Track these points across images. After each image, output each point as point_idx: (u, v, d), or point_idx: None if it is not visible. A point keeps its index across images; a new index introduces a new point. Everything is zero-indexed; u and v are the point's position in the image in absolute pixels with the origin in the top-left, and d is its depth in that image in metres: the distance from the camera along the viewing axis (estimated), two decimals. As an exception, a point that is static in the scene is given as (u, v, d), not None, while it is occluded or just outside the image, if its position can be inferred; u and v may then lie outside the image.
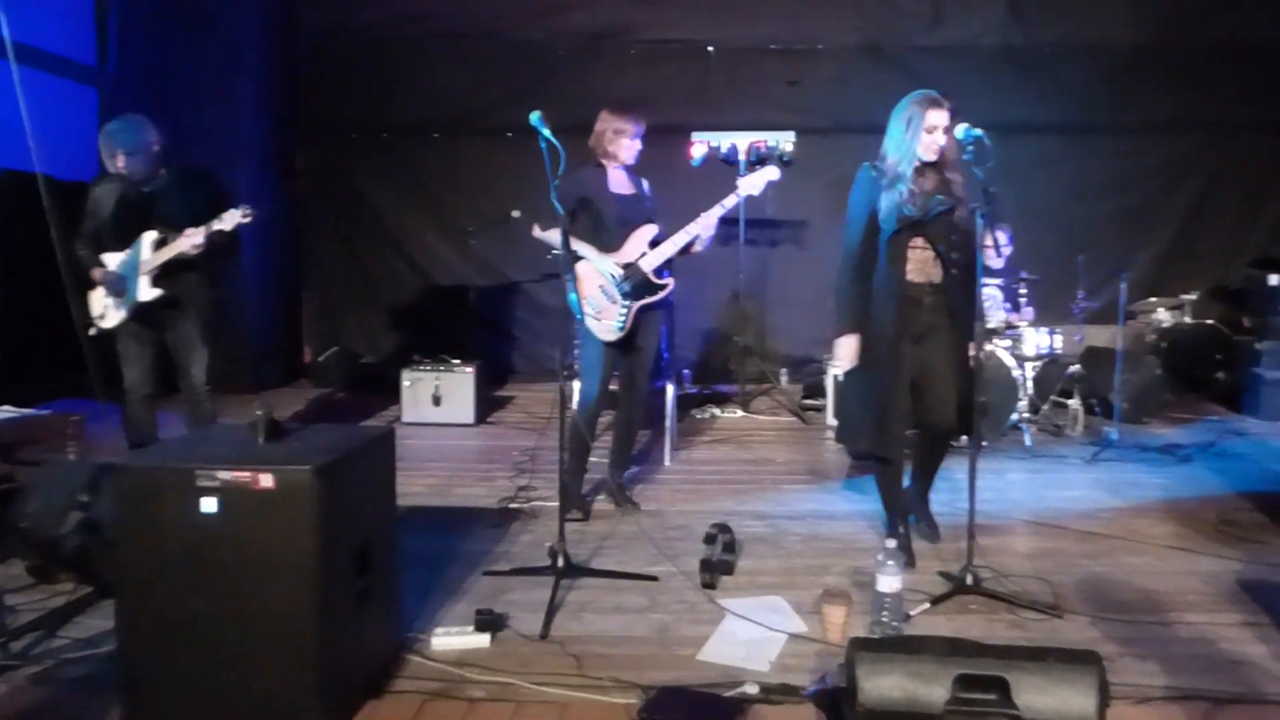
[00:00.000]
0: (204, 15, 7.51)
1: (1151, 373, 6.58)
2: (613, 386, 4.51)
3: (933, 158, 3.60)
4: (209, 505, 2.39)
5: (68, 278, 4.08)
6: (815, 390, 7.01)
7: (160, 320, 4.51)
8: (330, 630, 2.45)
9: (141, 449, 3.94)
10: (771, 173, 4.48)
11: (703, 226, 4.28)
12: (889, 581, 3.05)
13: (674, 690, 2.70)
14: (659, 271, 4.30)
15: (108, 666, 2.79)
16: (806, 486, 5.05)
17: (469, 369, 6.61)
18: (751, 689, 2.71)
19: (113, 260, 4.44)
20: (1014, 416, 5.80)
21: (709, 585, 3.54)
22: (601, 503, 4.62)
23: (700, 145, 7.27)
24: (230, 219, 4.24)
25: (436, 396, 6.57)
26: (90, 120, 7.15)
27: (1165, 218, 8.23)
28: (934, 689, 2.24)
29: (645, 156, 4.36)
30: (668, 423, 5.67)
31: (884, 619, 3.06)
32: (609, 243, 4.27)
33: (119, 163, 4.35)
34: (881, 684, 2.26)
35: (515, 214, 6.69)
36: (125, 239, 4.42)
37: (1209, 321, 7.44)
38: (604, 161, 4.33)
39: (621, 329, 4.23)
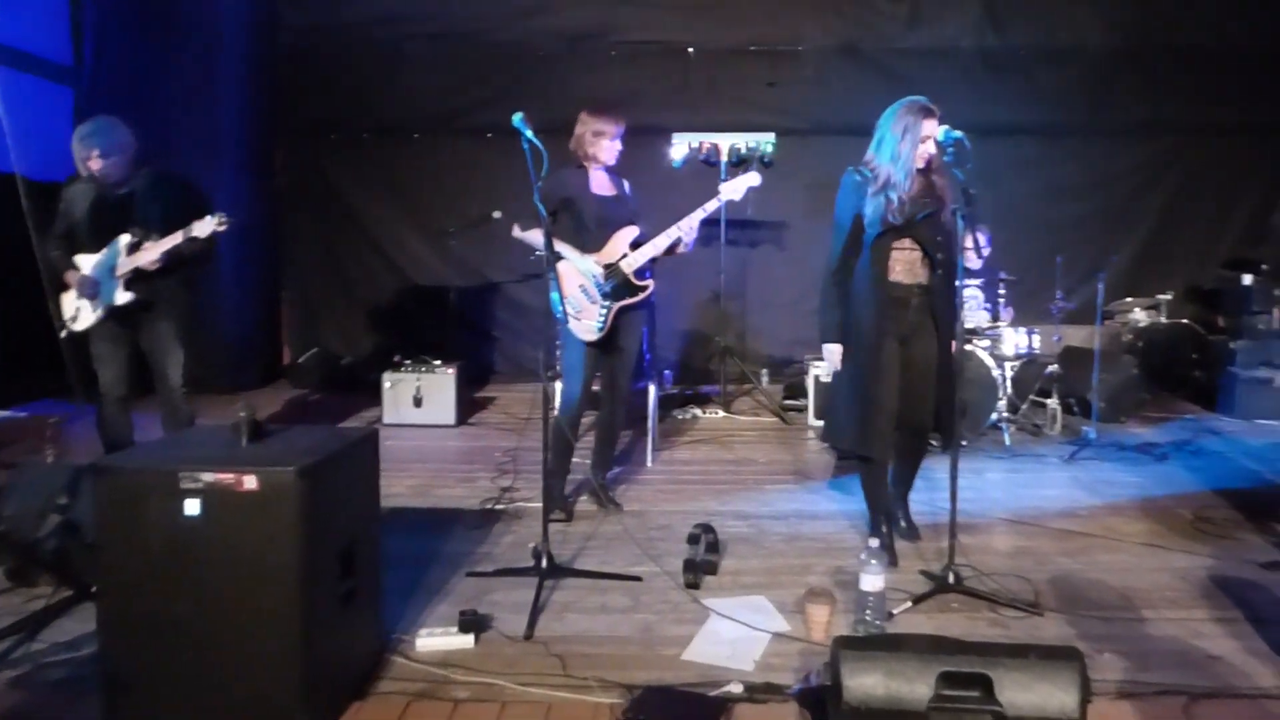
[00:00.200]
0: (181, 15, 7.45)
1: (1128, 372, 6.66)
2: (595, 387, 4.51)
3: (923, 165, 3.62)
4: (192, 507, 2.38)
5: (46, 279, 4.04)
6: (796, 391, 7.05)
7: (135, 322, 4.47)
8: (314, 632, 2.44)
9: (120, 451, 3.91)
10: (753, 179, 4.50)
11: (684, 230, 4.29)
12: (872, 580, 3.08)
13: (659, 690, 2.71)
14: (640, 273, 4.30)
15: (89, 669, 2.77)
16: (788, 486, 5.07)
17: (450, 370, 6.60)
18: (736, 688, 2.72)
19: (86, 262, 4.40)
20: (993, 416, 5.85)
21: (692, 585, 3.55)
22: (584, 503, 4.62)
23: (681, 146, 7.29)
24: (205, 226, 4.20)
25: (417, 398, 6.55)
26: (66, 120, 7.07)
27: (1140, 219, 8.33)
28: (918, 686, 2.25)
29: (626, 157, 4.37)
30: (650, 423, 5.68)
31: (867, 618, 3.08)
32: (590, 243, 4.27)
33: (93, 165, 4.30)
34: (866, 682, 2.28)
35: (496, 215, 6.68)
36: (100, 241, 4.38)
37: (1184, 321, 7.55)
38: (585, 163, 4.33)
39: (601, 329, 4.23)
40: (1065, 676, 2.23)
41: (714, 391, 7.46)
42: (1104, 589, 3.57)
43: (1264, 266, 7.23)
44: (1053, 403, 6.22)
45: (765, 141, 7.13)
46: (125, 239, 4.34)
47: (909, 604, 3.35)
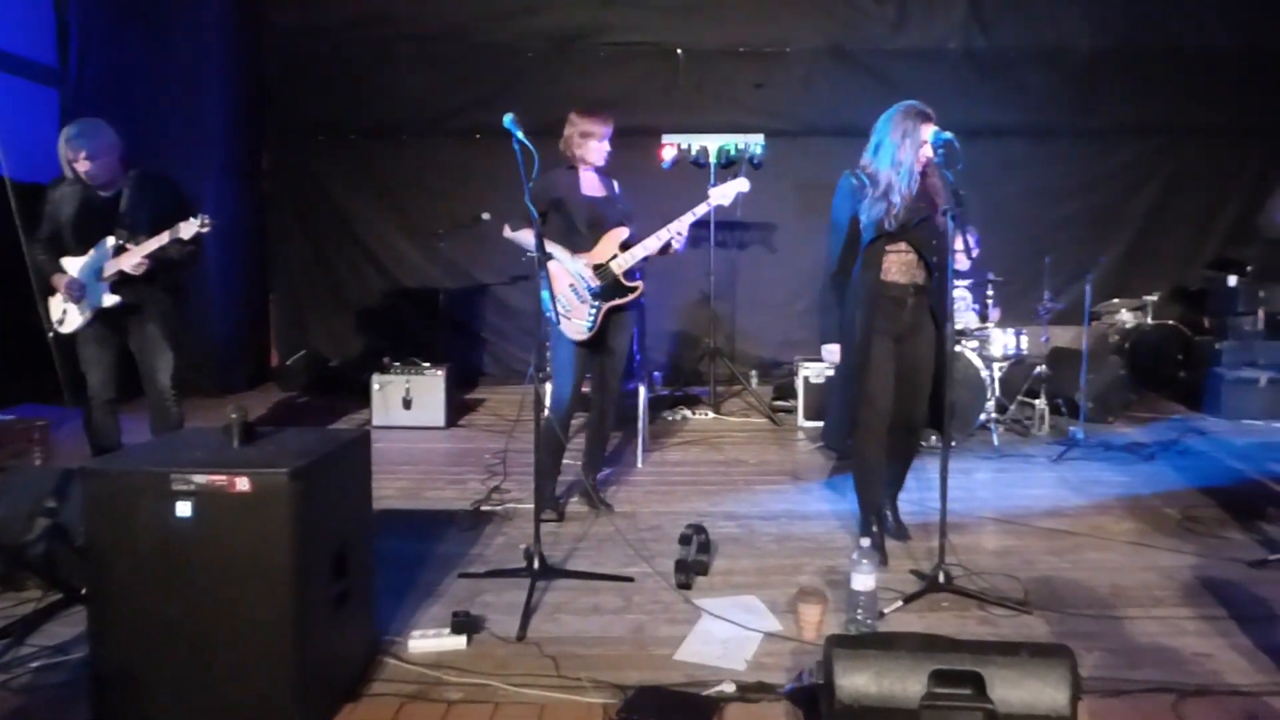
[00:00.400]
0: (167, 16, 7.43)
1: (1115, 373, 6.70)
2: (585, 389, 4.51)
3: (922, 168, 3.64)
4: (184, 509, 2.37)
5: (34, 282, 4.02)
6: (786, 392, 7.07)
7: (123, 325, 4.46)
8: (307, 634, 2.43)
9: (108, 454, 3.89)
10: (741, 184, 4.52)
11: (673, 233, 4.30)
12: (863, 580, 3.09)
13: (651, 690, 2.71)
14: (629, 273, 4.31)
15: (79, 673, 2.76)
16: (778, 487, 5.08)
17: (439, 372, 6.59)
18: (728, 688, 2.73)
19: (73, 265, 4.38)
20: (982, 416, 5.88)
21: (684, 585, 3.56)
22: (575, 504, 4.63)
23: (670, 147, 7.30)
24: (188, 228, 4.19)
25: (407, 400, 6.54)
26: (52, 122, 7.04)
27: (1126, 220, 8.38)
28: (910, 685, 2.26)
29: (615, 158, 4.37)
30: (640, 424, 5.69)
31: (858, 617, 3.10)
32: (580, 244, 4.27)
33: (80, 166, 4.29)
34: (858, 680, 2.29)
35: (484, 216, 6.67)
36: (86, 243, 4.36)
37: (1170, 322, 7.60)
38: (574, 164, 4.33)
39: (590, 329, 4.24)
40: (1056, 674, 2.25)
41: (704, 393, 7.48)
42: (1092, 588, 3.59)
43: (1249, 268, 7.30)
44: (1040, 403, 6.26)
45: (754, 143, 7.15)
46: (111, 241, 4.32)
47: (900, 603, 3.36)
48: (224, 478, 2.37)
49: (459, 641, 3.04)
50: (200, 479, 2.37)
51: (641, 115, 7.51)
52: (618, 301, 4.29)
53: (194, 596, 2.38)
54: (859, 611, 3.10)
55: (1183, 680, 2.81)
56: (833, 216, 3.81)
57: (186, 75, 7.47)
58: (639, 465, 5.50)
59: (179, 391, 4.57)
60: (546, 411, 4.32)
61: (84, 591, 2.68)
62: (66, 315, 4.40)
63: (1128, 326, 7.60)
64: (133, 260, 4.24)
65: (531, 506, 3.72)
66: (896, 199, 3.59)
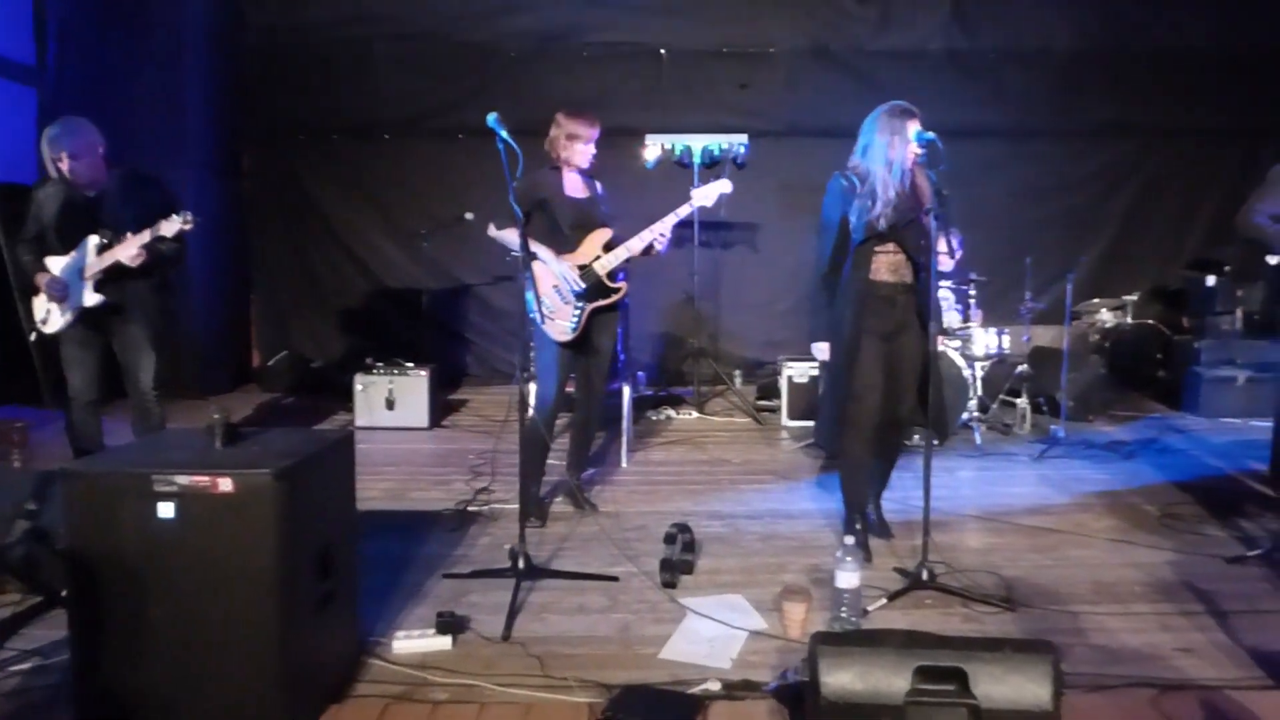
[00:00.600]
0: (146, 14, 7.37)
1: (1095, 372, 6.76)
2: (569, 389, 4.51)
3: (910, 164, 3.67)
4: (166, 510, 2.36)
5: (15, 282, 3.98)
6: (769, 391, 7.09)
7: (106, 325, 4.43)
8: (291, 635, 2.42)
9: (91, 455, 3.86)
10: (724, 185, 4.52)
11: (656, 234, 4.31)
12: (847, 578, 3.10)
13: (637, 689, 2.72)
14: (613, 274, 4.31)
15: (60, 677, 2.74)
16: (763, 486, 5.09)
17: (423, 372, 6.57)
18: (714, 686, 2.74)
19: (56, 265, 4.34)
20: (964, 415, 5.92)
21: (669, 585, 3.57)
22: (560, 504, 4.63)
23: (654, 148, 7.30)
24: (171, 225, 4.17)
25: (390, 400, 6.52)
26: (30, 121, 6.98)
27: (1106, 220, 8.45)
28: (895, 681, 2.27)
29: (598, 158, 4.37)
30: (624, 424, 5.69)
31: (843, 614, 3.11)
32: (563, 245, 4.27)
33: (63, 166, 4.26)
34: (843, 677, 2.29)
35: (467, 216, 6.66)
36: (69, 243, 4.33)
37: (1149, 321, 7.67)
38: (559, 164, 4.33)
39: (574, 330, 4.24)
40: (1039, 670, 2.26)
41: (688, 393, 7.48)
42: (1074, 584, 3.62)
43: (1227, 267, 7.37)
44: (1022, 402, 6.30)
45: (738, 143, 7.16)
46: (94, 240, 4.29)
47: (884, 601, 3.38)
48: (207, 479, 2.36)
49: (444, 642, 3.03)
50: (183, 480, 2.35)
51: (624, 115, 7.50)
52: (602, 302, 4.29)
53: (177, 599, 2.37)
54: (843, 609, 3.11)
55: (1163, 675, 2.84)
56: (823, 217, 3.84)
57: (165, 74, 7.41)
58: (624, 465, 5.51)
59: (161, 393, 4.54)
60: (531, 412, 4.32)
61: (65, 594, 2.66)
62: (49, 315, 4.36)
63: (1108, 326, 7.66)
64: (129, 251, 4.21)
65: (516, 507, 3.72)
66: (891, 194, 3.62)
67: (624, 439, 5.65)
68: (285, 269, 8.52)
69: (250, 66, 8.27)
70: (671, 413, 7.00)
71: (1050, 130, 8.29)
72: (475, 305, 8.45)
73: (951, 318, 6.11)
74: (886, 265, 3.75)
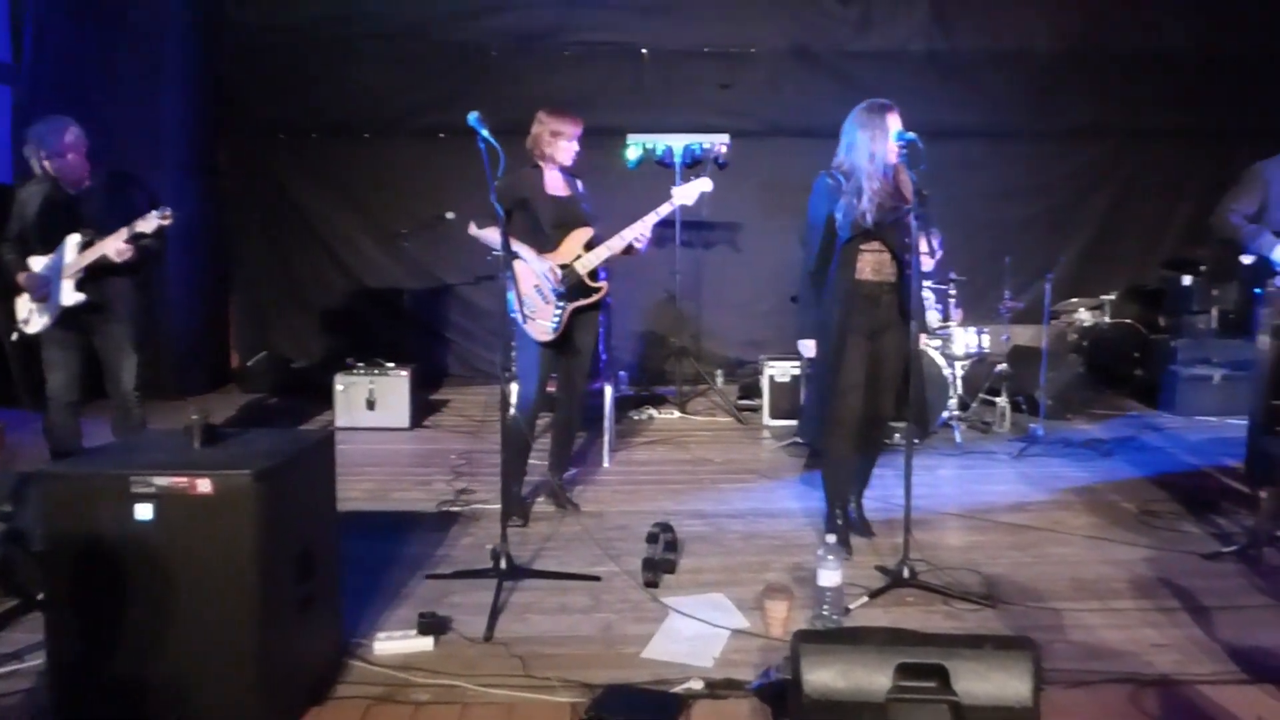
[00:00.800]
0: (123, 11, 7.29)
1: (1074, 371, 6.81)
2: (551, 389, 4.51)
3: (894, 159, 3.69)
4: (144, 512, 2.34)
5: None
6: (751, 391, 7.10)
7: (87, 325, 4.39)
8: (272, 637, 2.41)
9: (68, 456, 3.83)
10: (705, 184, 4.52)
11: (636, 234, 4.31)
12: (829, 576, 3.11)
13: (620, 688, 2.71)
14: (594, 273, 4.31)
15: (37, 681, 2.71)
16: (745, 485, 5.10)
17: (404, 372, 6.54)
18: (696, 685, 2.74)
19: (38, 263, 4.31)
20: (945, 414, 5.95)
21: (652, 584, 3.57)
22: (542, 504, 4.62)
23: (635, 147, 7.30)
24: (149, 221, 4.15)
25: (371, 400, 6.49)
26: (5, 120, 6.90)
27: (1084, 221, 8.51)
28: (876, 678, 2.28)
29: (580, 157, 4.37)
30: (606, 424, 5.69)
31: (825, 612, 3.12)
32: (545, 244, 4.26)
33: (47, 164, 4.22)
34: (825, 675, 2.30)
35: (448, 215, 6.63)
36: (50, 242, 4.30)
37: (1127, 321, 7.73)
38: (540, 163, 4.32)
39: (556, 329, 4.23)
40: (1019, 666, 2.28)
41: (670, 392, 7.49)
42: (1053, 581, 3.64)
43: (1203, 267, 7.44)
44: (1002, 401, 6.34)
45: (719, 142, 7.17)
46: (75, 239, 4.26)
47: (866, 598, 3.39)
48: (185, 480, 2.34)
49: (426, 643, 3.02)
50: (161, 481, 2.34)
51: (606, 115, 7.47)
52: (583, 302, 4.28)
53: (155, 601, 2.34)
54: (825, 607, 3.12)
55: (1141, 671, 2.87)
56: (809, 216, 3.88)
57: (143, 71, 7.33)
58: (605, 465, 5.50)
59: (142, 393, 4.51)
60: (512, 411, 4.31)
61: (41, 597, 2.63)
62: (31, 316, 4.33)
63: (1086, 325, 7.71)
64: (114, 246, 4.17)
65: (498, 507, 3.71)
66: (876, 186, 3.65)
67: (606, 438, 5.65)
68: (264, 269, 8.46)
69: (229, 64, 8.20)
70: (653, 412, 7.00)
71: (1029, 131, 8.34)
72: (456, 305, 8.42)
73: (932, 317, 6.14)
74: (871, 264, 3.78)
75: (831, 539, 3.21)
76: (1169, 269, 7.98)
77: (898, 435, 5.31)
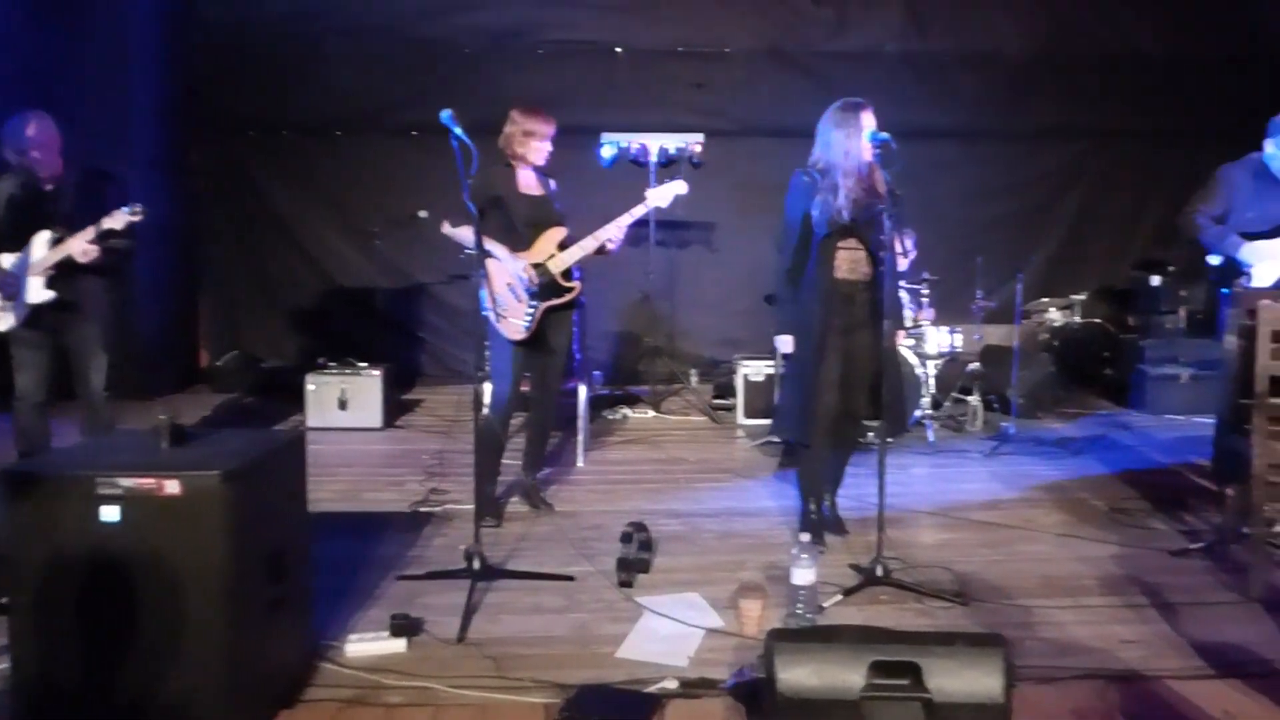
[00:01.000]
0: (90, 6, 7.19)
1: (1045, 370, 6.86)
2: (524, 388, 4.49)
3: (870, 157, 3.71)
4: (110, 514, 2.30)
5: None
6: (725, 390, 7.10)
7: (57, 324, 4.33)
8: (241, 640, 2.38)
9: (34, 458, 3.77)
10: (679, 187, 4.53)
11: (610, 234, 4.30)
12: (803, 574, 3.12)
13: (594, 688, 2.71)
14: (567, 273, 4.29)
15: (1, 685, 2.66)
16: (719, 484, 5.11)
17: (376, 372, 6.49)
18: (671, 684, 2.74)
19: (7, 260, 4.24)
20: (918, 413, 5.98)
21: (626, 584, 3.56)
22: (516, 504, 4.59)
23: (609, 146, 7.29)
24: (119, 217, 4.10)
25: (343, 400, 6.43)
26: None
27: (1055, 221, 8.60)
28: (850, 676, 2.29)
29: (554, 157, 4.36)
30: (580, 424, 5.67)
31: (799, 611, 3.12)
32: (518, 243, 4.24)
33: (24, 158, 4.16)
34: (799, 673, 2.30)
35: (421, 214, 6.59)
36: (20, 239, 4.23)
37: (1097, 320, 7.80)
38: (513, 162, 4.30)
39: (529, 328, 4.21)
40: (991, 663, 2.29)
41: (644, 392, 7.47)
42: (1024, 578, 3.67)
43: (1171, 268, 7.53)
44: (974, 400, 6.38)
45: (694, 142, 7.17)
46: (46, 235, 4.20)
47: (839, 597, 3.40)
48: (152, 480, 2.30)
49: (398, 644, 3.00)
50: (127, 482, 2.30)
51: (580, 114, 7.45)
52: (556, 301, 4.27)
53: (122, 604, 2.31)
54: (799, 606, 3.13)
55: (1110, 667, 2.89)
56: (786, 213, 3.90)
57: (110, 68, 7.22)
58: (580, 464, 5.49)
59: (111, 394, 4.45)
60: (485, 411, 4.29)
61: (5, 601, 2.58)
62: (1, 315, 4.26)
63: (1057, 325, 7.78)
64: (80, 245, 4.12)
65: (471, 507, 3.69)
66: (852, 183, 3.68)
67: (580, 438, 5.63)
68: (235, 267, 8.36)
69: (199, 60, 8.10)
70: (628, 412, 6.99)
71: (1001, 132, 8.40)
72: (429, 304, 8.37)
73: (905, 316, 6.17)
74: (848, 262, 3.80)
75: (806, 537, 3.22)
76: (1138, 269, 8.07)
77: (871, 434, 5.33)
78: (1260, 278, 4.25)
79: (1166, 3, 8.33)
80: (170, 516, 2.31)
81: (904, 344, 5.94)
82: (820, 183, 3.74)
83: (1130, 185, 8.58)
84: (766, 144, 7.66)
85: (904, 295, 6.15)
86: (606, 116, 7.77)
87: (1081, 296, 7.82)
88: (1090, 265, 8.55)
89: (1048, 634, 3.16)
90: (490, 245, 4.15)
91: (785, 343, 3.97)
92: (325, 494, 4.73)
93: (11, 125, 4.20)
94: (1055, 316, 7.83)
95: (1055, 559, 3.91)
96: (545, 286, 4.23)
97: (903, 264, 3.98)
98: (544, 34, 8.15)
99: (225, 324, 8.41)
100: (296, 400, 6.57)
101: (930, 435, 5.98)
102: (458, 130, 3.40)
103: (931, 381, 6.13)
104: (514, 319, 4.20)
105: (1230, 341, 3.63)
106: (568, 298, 4.32)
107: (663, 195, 4.48)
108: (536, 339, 4.27)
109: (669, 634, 3.14)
